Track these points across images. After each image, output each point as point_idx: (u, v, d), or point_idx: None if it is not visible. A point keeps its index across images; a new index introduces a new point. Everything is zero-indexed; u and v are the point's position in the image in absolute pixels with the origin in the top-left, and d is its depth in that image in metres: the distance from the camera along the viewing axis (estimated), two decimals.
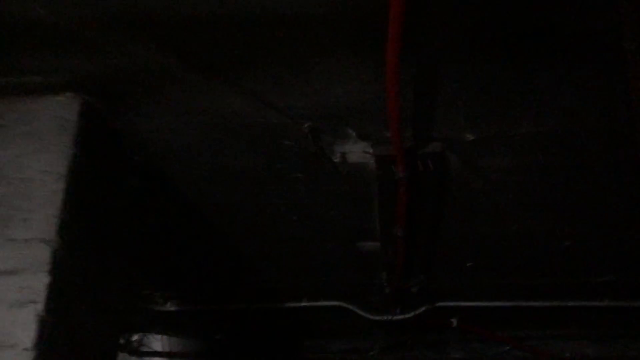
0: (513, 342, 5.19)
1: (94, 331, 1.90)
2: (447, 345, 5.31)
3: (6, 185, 1.80)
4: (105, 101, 1.95)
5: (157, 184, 2.39)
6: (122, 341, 4.97)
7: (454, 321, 4.61)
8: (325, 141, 2.23)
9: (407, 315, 4.32)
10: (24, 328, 1.64)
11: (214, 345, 5.32)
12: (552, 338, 5.15)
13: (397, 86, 1.71)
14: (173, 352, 5.10)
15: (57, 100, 1.91)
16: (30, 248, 1.73)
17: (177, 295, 4.36)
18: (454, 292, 4.12)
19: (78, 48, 1.77)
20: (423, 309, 4.30)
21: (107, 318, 1.99)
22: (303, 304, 4.35)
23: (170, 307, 4.55)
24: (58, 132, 1.86)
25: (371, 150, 2.25)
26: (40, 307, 1.67)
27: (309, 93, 1.93)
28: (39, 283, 1.69)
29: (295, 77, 1.86)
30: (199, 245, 3.39)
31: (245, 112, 2.04)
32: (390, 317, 4.35)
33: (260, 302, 4.39)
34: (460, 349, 5.28)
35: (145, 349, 5.08)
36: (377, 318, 4.39)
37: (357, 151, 2.28)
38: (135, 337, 5.17)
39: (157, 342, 5.09)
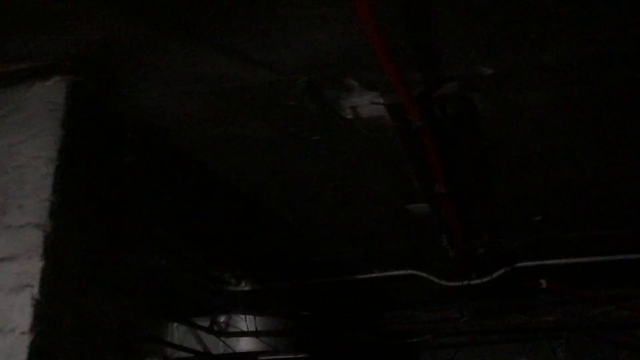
0: (615, 302, 4.70)
1: (105, 315, 1.89)
2: (539, 309, 4.94)
3: (3, 175, 1.82)
4: (93, 80, 1.92)
5: (174, 160, 2.35)
6: (206, 323, 5.13)
7: (543, 282, 4.26)
8: (329, 96, 2.06)
9: (485, 280, 4.04)
10: (21, 312, 1.66)
11: (297, 322, 5.32)
12: None
13: (373, 16, 1.50)
14: (258, 331, 5.16)
15: (45, 85, 1.90)
16: (25, 234, 1.73)
17: (249, 275, 4.39)
18: (532, 251, 3.79)
19: (55, 27, 1.74)
20: (501, 271, 4.00)
21: (120, 301, 1.98)
22: (374, 274, 4.22)
23: (245, 286, 4.60)
24: (47, 117, 1.86)
25: (381, 100, 2.05)
26: (35, 291, 1.67)
27: (292, 43, 1.78)
28: (33, 267, 1.70)
29: (273, 26, 1.71)
30: (250, 223, 3.36)
31: (235, 73, 1.93)
32: (467, 283, 4.09)
33: (331, 276, 4.31)
34: (553, 313, 4.89)
35: (231, 330, 5.20)
36: (452, 284, 4.15)
37: (366, 103, 2.09)
38: (222, 319, 5.31)
39: (242, 322, 5.18)
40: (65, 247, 1.78)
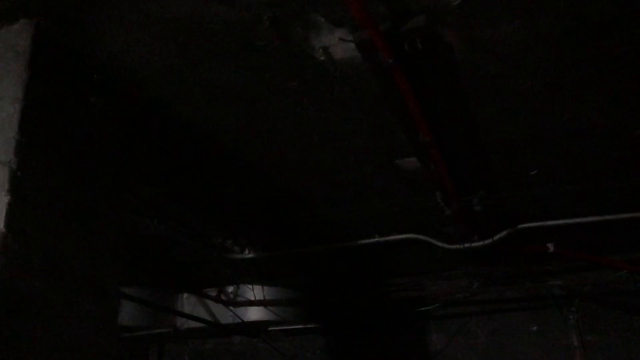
0: (628, 267, 4.57)
1: (78, 258, 1.91)
2: (549, 275, 4.85)
3: None
4: (59, 22, 1.94)
5: (144, 106, 2.35)
6: (214, 293, 5.18)
7: (551, 246, 4.16)
8: (298, 34, 2.04)
9: (486, 242, 3.97)
10: None
11: (304, 291, 5.34)
12: None
13: None
14: (266, 300, 5.20)
15: (12, 28, 1.92)
16: None
17: (251, 241, 4.39)
18: (533, 210, 3.70)
19: None
20: (504, 233, 3.92)
21: (95, 245, 2.00)
22: (376, 239, 4.19)
23: (248, 254, 4.61)
24: (13, 59, 1.88)
25: (350, 38, 2.02)
26: (1, 224, 1.70)
27: None
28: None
29: None
30: (239, 184, 3.34)
31: (200, 13, 1.92)
32: (468, 245, 4.03)
33: (332, 242, 4.29)
34: (564, 279, 4.79)
35: (240, 299, 5.24)
36: (455, 247, 4.10)
37: (336, 42, 2.06)
38: (230, 289, 5.36)
39: (250, 292, 5.22)
40: (33, 185, 1.80)
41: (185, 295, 5.37)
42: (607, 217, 3.78)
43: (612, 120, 2.57)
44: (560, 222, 3.85)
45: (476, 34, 2.01)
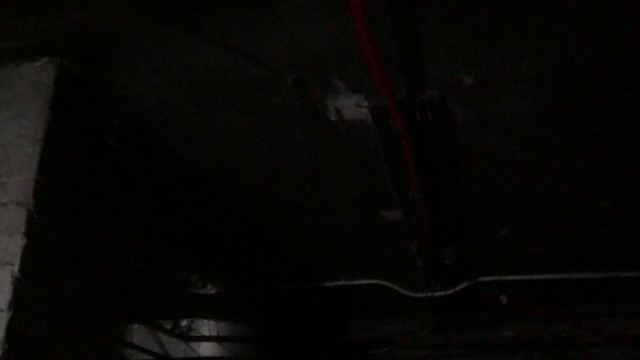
0: (571, 320, 4.85)
1: (79, 300, 1.88)
2: (499, 324, 5.05)
3: None
4: (82, 63, 1.94)
5: (154, 150, 2.36)
6: (169, 326, 5.07)
7: (504, 298, 4.36)
8: (316, 95, 2.12)
9: (448, 292, 4.12)
10: (1, 290, 1.64)
11: (262, 329, 5.31)
12: (614, 315, 4.78)
13: (364, 17, 1.57)
14: (221, 336, 5.13)
15: (33, 66, 1.91)
16: (7, 211, 1.73)
17: (216, 278, 4.36)
18: (496, 266, 3.90)
19: (48, 6, 1.75)
20: (465, 284, 4.09)
21: (95, 288, 1.97)
22: (341, 282, 4.26)
23: (210, 290, 4.56)
24: (34, 98, 1.86)
25: (365, 103, 2.12)
26: (16, 269, 1.67)
27: (284, 39, 1.83)
28: (14, 245, 1.69)
29: (266, 20, 1.76)
30: (219, 221, 3.36)
31: (223, 66, 1.97)
32: (430, 294, 4.17)
33: (299, 283, 4.33)
34: (513, 328, 5.01)
35: (193, 334, 5.15)
36: (417, 295, 4.22)
37: (351, 105, 2.15)
38: (184, 322, 5.26)
39: (205, 327, 5.14)
40: (47, 227, 1.78)
41: (137, 326, 5.23)
42: (559, 275, 4.03)
43: (580, 191, 2.78)
44: (518, 277, 4.06)
45: (481, 109, 2.15)
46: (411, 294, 4.19)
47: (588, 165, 2.53)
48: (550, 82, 1.98)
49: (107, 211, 2.07)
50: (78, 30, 1.84)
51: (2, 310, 1.62)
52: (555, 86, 2.01)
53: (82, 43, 1.89)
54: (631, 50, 1.84)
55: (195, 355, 4.96)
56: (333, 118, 2.24)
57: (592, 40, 1.79)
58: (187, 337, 5.11)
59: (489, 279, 4.04)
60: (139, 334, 5.19)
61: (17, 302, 1.64)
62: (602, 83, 1.98)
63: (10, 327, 1.61)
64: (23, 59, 1.91)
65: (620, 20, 1.72)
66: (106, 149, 2.02)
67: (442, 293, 4.13)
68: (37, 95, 1.86)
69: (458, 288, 4.07)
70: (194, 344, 5.07)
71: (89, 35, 1.86)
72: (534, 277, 4.01)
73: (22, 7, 1.77)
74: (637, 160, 2.49)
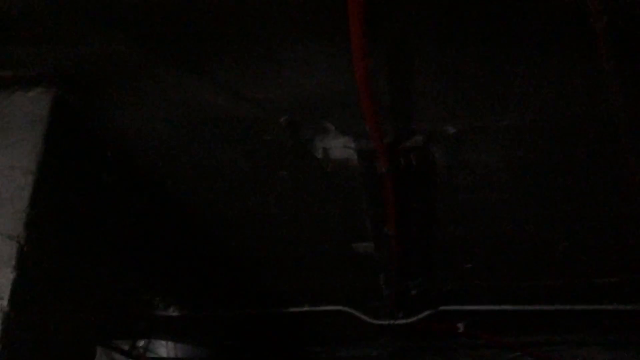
0: (522, 348, 5.05)
1: (65, 330, 1.87)
2: (455, 351, 5.20)
3: None
4: (77, 95, 1.94)
5: (140, 182, 2.37)
6: (126, 347, 4.98)
7: (461, 326, 4.51)
8: (305, 136, 2.19)
9: (410, 320, 4.23)
10: None
11: (220, 352, 5.28)
12: (563, 344, 5.00)
13: (365, 74, 1.66)
14: (178, 358, 5.07)
15: (28, 95, 1.90)
16: None
17: (179, 300, 4.34)
18: (457, 296, 4.03)
19: (45, 39, 1.76)
20: (426, 313, 4.21)
21: (81, 318, 1.97)
22: (305, 308, 4.30)
23: (172, 312, 4.52)
24: (28, 128, 1.85)
25: (352, 145, 2.20)
26: (5, 302, 1.65)
27: (282, 84, 1.90)
28: (4, 278, 1.67)
29: (267, 66, 1.82)
30: (193, 247, 3.37)
31: (220, 105, 2.01)
32: (392, 322, 4.26)
33: (263, 307, 4.34)
34: (468, 355, 5.16)
35: (150, 355, 5.07)
36: (380, 322, 4.31)
37: (338, 146, 2.23)
38: (141, 343, 5.17)
39: (163, 348, 5.08)
40: (36, 260, 1.77)
41: None
42: (515, 307, 4.21)
43: (546, 233, 2.94)
44: (476, 307, 4.22)
45: (461, 157, 2.27)
46: (373, 321, 4.28)
47: (553, 210, 2.68)
48: (528, 135, 2.12)
49: (93, 244, 2.06)
50: (76, 62, 1.85)
51: None
52: (532, 138, 2.14)
53: (79, 75, 1.89)
54: (601, 112, 1.99)
55: None
56: (320, 156, 2.31)
57: (569, 101, 1.93)
58: (145, 358, 5.04)
59: (449, 308, 4.18)
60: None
61: (6, 338, 1.62)
62: (574, 138, 2.13)
63: None
64: (17, 87, 1.90)
65: (594, 86, 1.87)
66: (98, 183, 2.02)
67: (404, 321, 4.24)
68: (31, 126, 1.86)
69: (420, 316, 4.19)
70: None
71: (86, 68, 1.87)
72: (492, 307, 4.17)
73: (21, 38, 1.77)
74: (596, 207, 2.66)
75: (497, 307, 4.19)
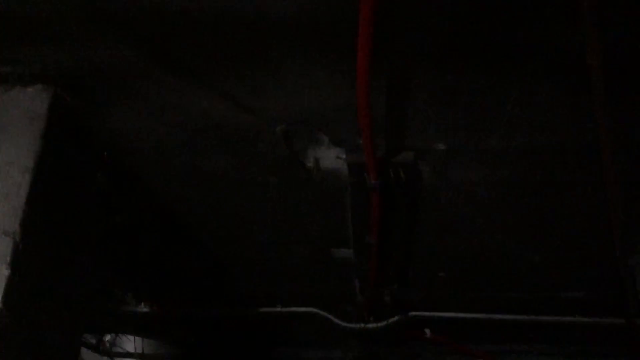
0: (486, 357, 5.19)
1: (54, 327, 1.88)
2: (419, 356, 5.31)
3: None
4: (76, 95, 1.94)
5: (129, 182, 2.38)
6: (93, 341, 4.93)
7: (427, 332, 4.62)
8: (299, 145, 2.23)
9: (380, 324, 4.31)
10: None
11: (188, 349, 5.28)
12: (525, 354, 5.17)
13: (367, 93, 1.71)
14: (145, 354, 5.05)
15: (27, 92, 1.89)
16: None
17: (151, 297, 4.32)
18: (427, 303, 4.13)
19: (48, 39, 1.76)
20: (396, 318, 4.29)
21: (69, 315, 1.97)
22: (277, 309, 4.34)
23: (143, 308, 4.49)
24: (26, 125, 1.85)
25: (344, 157, 2.26)
26: None
27: (282, 96, 1.94)
28: None
29: (269, 79, 1.86)
30: (172, 247, 3.37)
31: (218, 113, 2.04)
32: (363, 325, 4.33)
33: (235, 306, 4.36)
34: None
35: (117, 350, 5.03)
36: (350, 326, 4.37)
37: (330, 157, 2.28)
38: (107, 337, 5.12)
39: (130, 343, 5.05)
40: (29, 258, 1.77)
41: None
42: (481, 315, 4.33)
43: (520, 247, 3.05)
44: (445, 314, 4.32)
45: (448, 173, 2.34)
46: (344, 324, 4.35)
47: (528, 226, 2.79)
48: (514, 156, 2.21)
49: (81, 241, 2.06)
50: (78, 63, 1.85)
51: None
52: (517, 160, 2.23)
53: (80, 75, 1.90)
54: (584, 140, 2.10)
55: None
56: (310, 165, 2.35)
57: (556, 128, 2.03)
58: (112, 353, 5.00)
59: (418, 314, 4.27)
60: None
61: (2, 340, 1.62)
62: (556, 163, 2.23)
63: None
64: (15, 83, 1.89)
65: (580, 116, 1.97)
66: (93, 182, 2.02)
67: (374, 325, 4.32)
68: (29, 123, 1.85)
69: (390, 321, 4.28)
70: None
71: (87, 69, 1.88)
72: (459, 315, 4.28)
73: (23, 37, 1.76)
74: (568, 227, 2.78)
75: (465, 315, 4.30)
